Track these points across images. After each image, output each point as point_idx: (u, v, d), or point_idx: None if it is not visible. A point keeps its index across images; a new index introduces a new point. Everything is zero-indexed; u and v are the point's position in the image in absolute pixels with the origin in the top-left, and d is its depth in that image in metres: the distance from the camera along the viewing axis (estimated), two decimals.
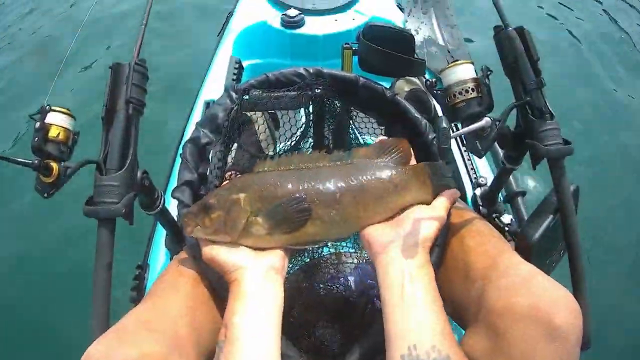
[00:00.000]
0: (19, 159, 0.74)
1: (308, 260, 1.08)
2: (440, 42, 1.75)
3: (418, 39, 1.71)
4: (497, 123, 0.81)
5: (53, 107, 0.78)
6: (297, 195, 0.71)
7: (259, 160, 0.78)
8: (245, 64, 1.83)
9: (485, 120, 0.78)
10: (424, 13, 1.85)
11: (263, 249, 0.72)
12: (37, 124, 0.76)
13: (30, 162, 0.74)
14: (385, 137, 0.85)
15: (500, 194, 1.20)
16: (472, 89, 0.82)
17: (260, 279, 0.68)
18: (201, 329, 0.72)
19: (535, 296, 0.60)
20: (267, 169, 0.75)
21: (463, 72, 0.84)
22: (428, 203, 0.74)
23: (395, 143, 0.78)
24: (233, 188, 0.73)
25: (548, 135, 0.82)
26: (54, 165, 0.75)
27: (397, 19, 2.00)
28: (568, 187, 0.82)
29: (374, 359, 0.86)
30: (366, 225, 0.74)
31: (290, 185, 0.73)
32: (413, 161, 0.79)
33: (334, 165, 0.76)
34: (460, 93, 0.83)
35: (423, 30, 1.80)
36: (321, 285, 1.06)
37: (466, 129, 0.78)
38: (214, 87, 1.68)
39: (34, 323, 1.80)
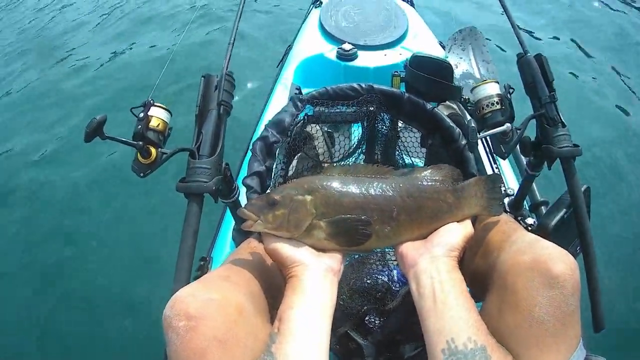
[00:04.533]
0: (127, 140, 0.85)
1: (357, 256, 1.20)
2: (477, 75, 1.90)
3: (457, 72, 1.87)
4: (519, 131, 0.97)
5: (156, 103, 0.91)
6: (364, 217, 0.75)
7: (328, 164, 0.84)
8: (303, 91, 2.00)
9: (506, 126, 0.94)
10: (463, 50, 2.00)
11: (322, 250, 0.76)
12: (141, 114, 0.89)
13: (136, 143, 0.85)
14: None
15: (525, 204, 1.33)
16: (497, 102, 0.99)
17: (319, 278, 0.72)
18: (269, 292, 0.79)
19: (537, 253, 0.69)
20: (336, 174, 0.79)
21: (490, 89, 1.02)
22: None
23: (451, 169, 0.83)
24: (300, 188, 0.76)
25: (560, 139, 0.98)
26: (153, 149, 0.88)
27: (438, 55, 2.13)
28: (578, 183, 0.96)
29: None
30: (413, 239, 0.79)
31: (354, 197, 0.76)
32: None
33: (396, 180, 0.79)
34: (487, 105, 0.99)
35: (462, 65, 1.95)
36: (367, 277, 1.17)
37: (491, 131, 0.94)
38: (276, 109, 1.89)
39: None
